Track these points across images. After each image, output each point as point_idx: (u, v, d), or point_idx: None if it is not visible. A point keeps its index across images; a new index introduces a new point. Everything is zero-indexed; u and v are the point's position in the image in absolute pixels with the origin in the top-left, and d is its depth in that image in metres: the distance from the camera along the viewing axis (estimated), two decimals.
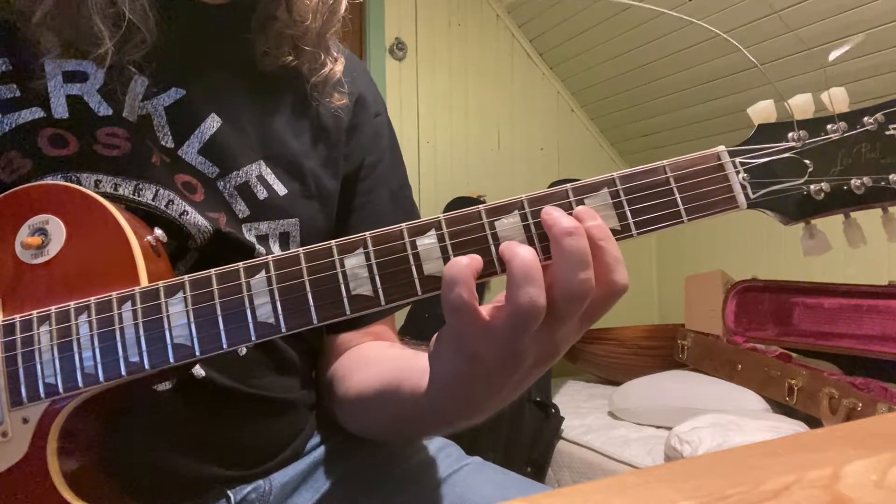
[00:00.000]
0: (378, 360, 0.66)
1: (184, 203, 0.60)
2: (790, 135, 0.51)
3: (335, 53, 0.72)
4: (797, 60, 2.21)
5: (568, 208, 0.48)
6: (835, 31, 2.07)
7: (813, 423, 1.83)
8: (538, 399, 2.17)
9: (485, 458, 0.72)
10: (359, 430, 0.68)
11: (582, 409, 2.31)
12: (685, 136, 2.86)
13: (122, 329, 0.48)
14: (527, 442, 2.10)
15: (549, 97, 3.16)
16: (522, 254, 0.44)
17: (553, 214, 0.46)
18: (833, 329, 2.11)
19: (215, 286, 0.48)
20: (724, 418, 1.75)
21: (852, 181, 0.50)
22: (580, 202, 0.48)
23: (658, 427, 2.05)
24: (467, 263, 0.44)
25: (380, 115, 0.78)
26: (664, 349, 2.46)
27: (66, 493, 0.47)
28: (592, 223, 0.46)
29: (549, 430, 2.11)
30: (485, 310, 0.45)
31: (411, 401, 0.56)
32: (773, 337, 2.23)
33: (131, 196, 0.58)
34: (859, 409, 1.70)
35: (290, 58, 0.68)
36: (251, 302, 0.48)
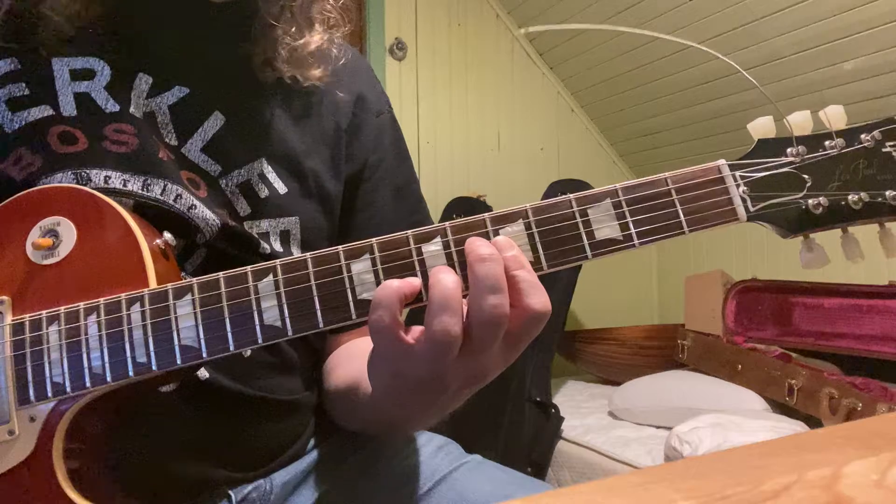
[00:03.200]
0: (352, 359, 0.67)
1: (192, 197, 0.60)
2: (789, 150, 0.52)
3: (318, 28, 0.71)
4: (795, 61, 2.21)
5: (572, 217, 0.49)
6: (833, 32, 2.07)
7: (813, 423, 1.83)
8: (538, 399, 2.17)
9: (485, 457, 0.72)
10: (340, 422, 0.70)
11: (582, 409, 2.31)
12: (685, 137, 2.86)
13: (130, 330, 0.48)
14: (527, 442, 2.10)
15: (549, 97, 3.16)
16: (443, 281, 0.45)
17: (474, 243, 0.47)
18: (833, 329, 2.11)
19: (223, 289, 0.49)
20: (724, 418, 1.75)
21: (850, 196, 0.51)
22: (583, 213, 0.49)
23: (658, 427, 2.05)
24: (396, 287, 0.45)
25: (382, 114, 0.78)
26: (664, 349, 2.46)
27: (71, 492, 0.47)
28: (508, 254, 0.46)
29: (549, 430, 2.11)
30: (410, 332, 0.46)
31: (364, 402, 0.58)
32: (773, 337, 2.23)
33: (140, 191, 0.58)
34: (859, 409, 1.70)
35: (288, 69, 0.68)
36: (258, 305, 0.48)
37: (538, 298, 0.46)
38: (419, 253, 0.48)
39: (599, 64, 2.88)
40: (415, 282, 0.47)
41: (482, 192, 2.88)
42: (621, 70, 2.80)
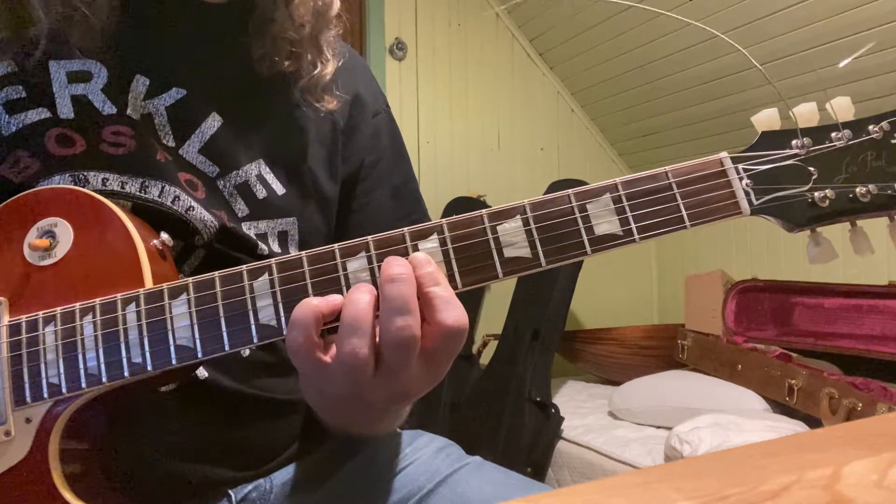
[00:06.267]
0: None
1: (190, 199, 0.60)
2: (794, 142, 0.50)
3: (328, 55, 0.71)
4: (796, 61, 2.21)
5: (570, 213, 0.49)
6: (835, 31, 2.07)
7: (813, 423, 1.83)
8: (538, 399, 2.17)
9: (485, 458, 0.72)
10: None
11: (582, 409, 2.31)
12: (685, 137, 2.86)
13: (125, 330, 0.48)
14: (527, 442, 2.10)
15: (549, 97, 3.16)
16: (356, 302, 0.45)
17: (387, 262, 0.46)
18: (833, 329, 2.11)
19: (218, 288, 0.48)
20: (724, 418, 1.75)
21: (858, 189, 0.49)
22: (582, 208, 0.49)
23: (658, 427, 2.05)
24: (314, 307, 0.45)
25: (379, 114, 0.78)
26: (664, 349, 2.46)
27: (67, 494, 0.47)
28: (422, 271, 0.46)
29: (549, 430, 2.11)
30: (327, 351, 0.46)
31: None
32: (773, 337, 2.23)
33: (138, 193, 0.58)
34: (859, 409, 1.70)
35: (288, 63, 0.68)
36: (254, 304, 0.48)
37: (451, 313, 0.45)
38: (415, 250, 0.48)
39: (599, 64, 2.88)
40: (335, 300, 0.46)
41: (482, 192, 2.88)
42: (621, 70, 2.80)
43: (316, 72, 0.69)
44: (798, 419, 1.85)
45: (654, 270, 3.34)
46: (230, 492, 0.63)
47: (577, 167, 3.16)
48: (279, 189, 0.66)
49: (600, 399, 2.42)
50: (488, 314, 2.74)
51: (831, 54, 2.12)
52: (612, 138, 3.24)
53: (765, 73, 0.55)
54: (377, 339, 0.45)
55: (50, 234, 0.51)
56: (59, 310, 0.49)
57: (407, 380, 0.46)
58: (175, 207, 0.59)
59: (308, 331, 0.45)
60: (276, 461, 0.67)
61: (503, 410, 2.18)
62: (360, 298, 0.45)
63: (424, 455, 0.70)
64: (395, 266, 0.45)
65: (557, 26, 2.88)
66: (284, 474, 0.67)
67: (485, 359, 2.56)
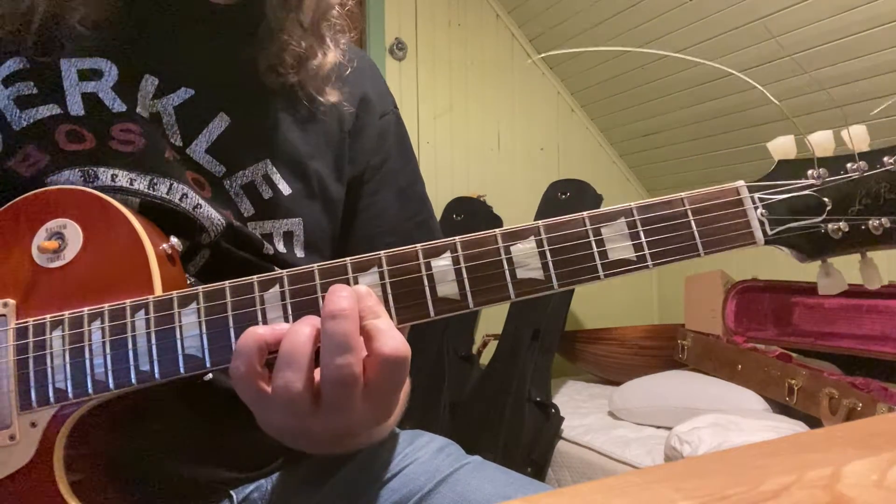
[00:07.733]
0: None
1: (197, 197, 0.60)
2: (810, 172, 0.51)
3: (330, 44, 0.71)
4: (794, 68, 2.21)
5: (585, 236, 0.48)
6: (835, 31, 2.07)
7: (813, 423, 1.83)
8: (538, 399, 2.17)
9: (485, 458, 0.72)
10: None
11: (582, 409, 2.31)
12: (685, 137, 2.86)
13: (134, 337, 0.48)
14: (527, 442, 2.10)
15: (549, 97, 3.16)
16: (295, 333, 0.44)
17: (330, 295, 0.45)
18: (833, 329, 2.11)
19: (229, 298, 0.48)
20: (724, 418, 1.75)
21: (871, 221, 0.50)
22: (597, 231, 0.49)
23: (658, 427, 2.06)
24: (258, 336, 0.44)
25: (386, 115, 0.78)
26: (664, 349, 2.46)
27: (71, 499, 0.47)
28: (362, 304, 0.45)
29: (549, 431, 2.11)
30: (270, 382, 0.45)
31: None
32: (773, 337, 2.23)
33: (146, 190, 0.59)
34: (859, 409, 1.70)
35: (293, 75, 0.68)
36: (264, 315, 0.48)
37: (389, 343, 0.44)
38: (428, 268, 0.48)
39: (599, 64, 2.88)
40: (281, 329, 0.45)
41: (482, 192, 2.88)
42: (621, 70, 2.80)
43: (315, 61, 0.69)
44: (798, 419, 1.85)
45: (654, 270, 3.33)
46: (232, 492, 0.63)
47: (577, 167, 3.15)
48: (285, 189, 0.66)
49: (600, 399, 2.41)
50: (488, 314, 2.74)
51: (831, 54, 2.12)
52: (612, 138, 3.23)
53: (788, 114, 0.55)
54: (319, 374, 0.44)
55: (59, 235, 0.51)
56: (66, 314, 0.49)
57: (350, 417, 0.45)
58: (183, 205, 0.59)
59: (250, 359, 0.44)
60: (277, 462, 0.67)
61: (503, 410, 2.18)
62: (301, 331, 0.44)
63: (424, 455, 0.70)
64: (337, 300, 0.44)
65: (557, 26, 2.88)
66: (285, 475, 0.67)
67: (485, 359, 2.56)
